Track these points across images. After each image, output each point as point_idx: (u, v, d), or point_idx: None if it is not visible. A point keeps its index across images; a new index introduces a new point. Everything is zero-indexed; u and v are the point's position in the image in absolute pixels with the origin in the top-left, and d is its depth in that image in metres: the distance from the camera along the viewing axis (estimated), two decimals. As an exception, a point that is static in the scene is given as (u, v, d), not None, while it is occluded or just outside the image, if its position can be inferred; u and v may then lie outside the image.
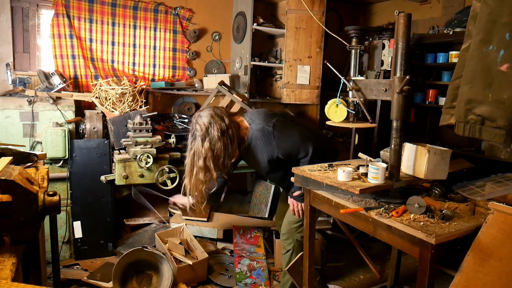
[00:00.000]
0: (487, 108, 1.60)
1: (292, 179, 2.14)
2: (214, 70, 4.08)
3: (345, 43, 2.59)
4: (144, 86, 3.46)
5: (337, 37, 2.75)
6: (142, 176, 2.96)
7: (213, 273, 2.85)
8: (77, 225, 2.95)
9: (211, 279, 2.79)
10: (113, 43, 3.64)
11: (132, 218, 3.38)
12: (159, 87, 3.63)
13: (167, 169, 3.01)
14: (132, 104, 3.26)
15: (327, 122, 2.17)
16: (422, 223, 1.54)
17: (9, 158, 1.46)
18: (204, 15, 3.99)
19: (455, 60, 3.19)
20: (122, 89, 3.21)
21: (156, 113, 3.32)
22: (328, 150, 2.37)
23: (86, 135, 3.05)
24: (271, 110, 2.55)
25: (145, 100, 3.41)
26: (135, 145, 2.93)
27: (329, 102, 2.12)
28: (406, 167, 1.87)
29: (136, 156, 2.90)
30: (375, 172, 1.75)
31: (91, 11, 3.51)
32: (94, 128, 3.06)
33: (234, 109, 3.31)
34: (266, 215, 3.51)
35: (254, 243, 3.10)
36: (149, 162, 2.92)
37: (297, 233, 2.40)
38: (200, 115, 2.22)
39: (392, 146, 1.78)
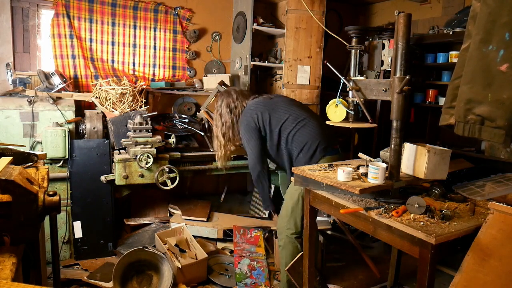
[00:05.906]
0: (486, 108, 1.60)
1: (292, 179, 2.15)
2: (214, 70, 4.08)
3: (345, 43, 2.60)
4: (144, 86, 3.46)
5: (337, 37, 2.75)
6: (142, 176, 2.97)
7: (213, 273, 2.85)
8: (77, 225, 2.96)
9: (211, 279, 2.79)
10: (113, 43, 3.64)
11: (132, 218, 3.38)
12: (159, 87, 3.63)
13: (167, 169, 3.01)
14: (132, 104, 3.26)
15: (327, 122, 2.18)
16: (422, 223, 1.54)
17: (9, 158, 1.46)
18: (204, 15, 3.99)
19: (455, 60, 3.19)
20: (122, 89, 3.21)
21: (156, 113, 3.32)
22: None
23: (86, 135, 3.05)
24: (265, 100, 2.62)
25: (145, 100, 3.41)
26: (135, 145, 2.93)
27: (330, 102, 2.12)
28: (406, 167, 1.87)
29: (136, 156, 2.90)
30: (375, 172, 1.75)
31: (91, 11, 3.51)
32: (94, 128, 3.06)
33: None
34: (266, 215, 3.51)
35: (254, 243, 3.10)
36: (149, 162, 2.92)
37: (287, 229, 2.43)
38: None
39: (392, 146, 1.78)
